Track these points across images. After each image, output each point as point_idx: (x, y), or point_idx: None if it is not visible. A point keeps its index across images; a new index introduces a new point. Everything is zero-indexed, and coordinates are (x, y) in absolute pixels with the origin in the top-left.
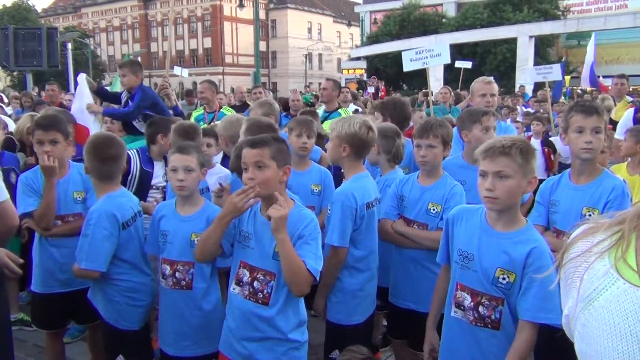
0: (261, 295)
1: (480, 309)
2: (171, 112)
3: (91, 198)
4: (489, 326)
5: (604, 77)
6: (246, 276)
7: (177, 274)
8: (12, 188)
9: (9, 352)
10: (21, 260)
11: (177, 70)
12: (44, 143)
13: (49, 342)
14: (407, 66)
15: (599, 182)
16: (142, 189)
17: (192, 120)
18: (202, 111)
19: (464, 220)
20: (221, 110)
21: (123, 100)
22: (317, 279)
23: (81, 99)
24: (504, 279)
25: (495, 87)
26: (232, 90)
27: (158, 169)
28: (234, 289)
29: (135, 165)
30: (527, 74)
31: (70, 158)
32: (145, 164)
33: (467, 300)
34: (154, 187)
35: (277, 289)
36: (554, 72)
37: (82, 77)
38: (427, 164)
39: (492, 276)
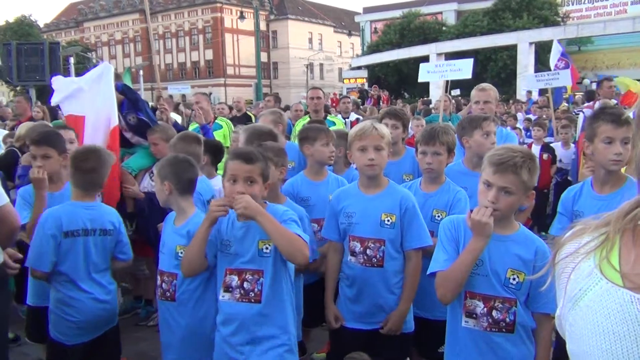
0: (253, 294)
1: (494, 313)
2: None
3: None
4: (504, 330)
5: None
6: (234, 280)
7: (163, 285)
8: None
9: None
10: (20, 256)
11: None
12: (37, 158)
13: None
14: (422, 77)
15: (624, 190)
16: None
17: None
18: (196, 125)
19: (462, 228)
20: (216, 120)
21: None
22: (308, 245)
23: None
24: (514, 279)
25: (491, 94)
26: (233, 101)
27: None
28: (223, 296)
29: None
30: (527, 81)
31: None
32: None
33: (480, 307)
34: None
35: (267, 285)
36: (562, 78)
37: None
38: (433, 172)
39: (504, 278)
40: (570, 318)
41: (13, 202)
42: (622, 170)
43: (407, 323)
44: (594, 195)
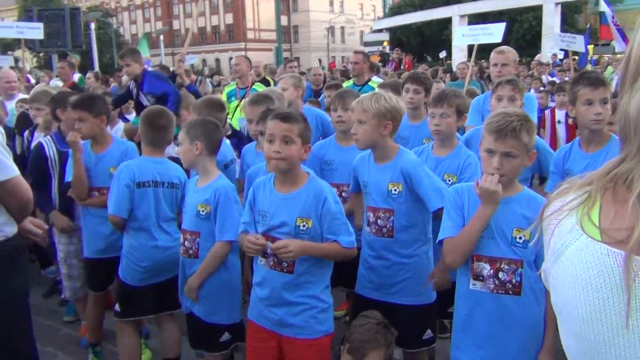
0: (286, 265)
1: (500, 275)
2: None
3: None
4: (510, 292)
5: None
6: (268, 248)
7: (186, 243)
8: None
9: (27, 324)
10: (46, 226)
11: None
12: (75, 121)
13: (92, 304)
14: (458, 41)
15: (608, 148)
16: (63, 171)
17: (224, 95)
18: (234, 86)
19: (466, 195)
20: (253, 86)
21: (134, 92)
22: (355, 249)
23: None
24: (520, 238)
25: (509, 57)
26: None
27: None
28: (260, 260)
29: (51, 149)
30: (552, 39)
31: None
32: (61, 145)
33: (486, 270)
34: None
35: (301, 259)
36: (577, 43)
37: None
38: (440, 134)
39: (511, 237)
40: (553, 271)
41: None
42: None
43: (428, 293)
44: (581, 154)
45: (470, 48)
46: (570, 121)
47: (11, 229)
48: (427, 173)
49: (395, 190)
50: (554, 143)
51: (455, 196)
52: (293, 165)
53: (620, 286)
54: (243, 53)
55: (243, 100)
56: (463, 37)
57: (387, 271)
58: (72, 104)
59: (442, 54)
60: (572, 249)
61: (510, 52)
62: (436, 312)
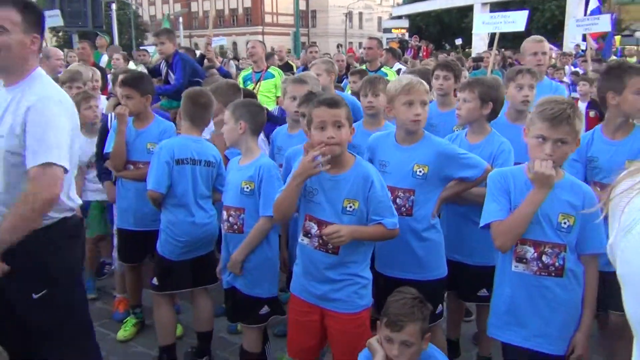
0: (331, 247)
1: (544, 258)
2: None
3: None
4: (553, 274)
5: None
6: (314, 229)
7: (230, 219)
8: None
9: (84, 296)
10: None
11: (218, 40)
12: (123, 97)
13: (128, 274)
14: (478, 29)
15: (635, 136)
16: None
17: (240, 80)
18: (250, 71)
19: (511, 180)
20: (268, 69)
21: (163, 71)
22: (398, 229)
23: None
24: (565, 222)
25: (547, 45)
26: (273, 50)
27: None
28: (302, 239)
29: (112, 123)
30: (569, 28)
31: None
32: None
33: (530, 252)
34: None
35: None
36: (601, 22)
37: None
38: (460, 118)
39: (556, 222)
40: (622, 245)
41: None
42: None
43: (438, 269)
44: (606, 141)
45: (492, 36)
46: (591, 114)
47: (73, 209)
48: (462, 150)
49: (420, 171)
50: None
51: (500, 180)
52: (344, 148)
53: None
54: (260, 37)
55: (258, 83)
56: (484, 24)
57: (405, 248)
58: (122, 82)
59: (458, 41)
60: None
61: (546, 42)
62: (466, 296)
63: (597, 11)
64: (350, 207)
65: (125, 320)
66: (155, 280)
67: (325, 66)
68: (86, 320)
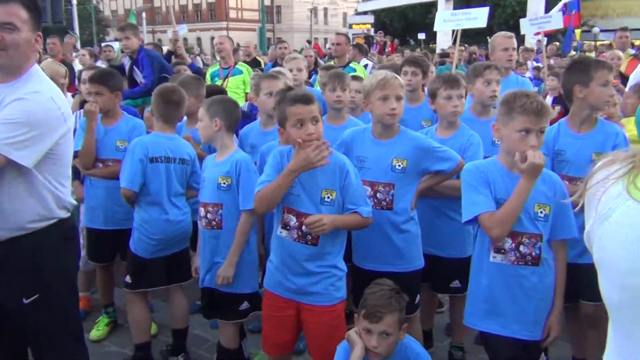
0: (310, 237)
1: (521, 248)
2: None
3: None
4: (530, 263)
5: (611, 31)
6: (293, 221)
7: (208, 215)
8: None
9: (76, 298)
10: None
11: (180, 28)
12: (91, 94)
13: (99, 274)
14: (439, 26)
15: (599, 129)
16: None
17: (207, 76)
18: (217, 67)
19: (488, 172)
20: (236, 65)
21: (127, 67)
22: (371, 217)
23: None
24: (541, 212)
25: (515, 42)
26: (239, 46)
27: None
28: (280, 232)
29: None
30: (522, 25)
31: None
32: None
33: (508, 243)
34: None
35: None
36: (554, 20)
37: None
38: (458, 114)
39: (533, 213)
40: (599, 232)
41: None
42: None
43: (416, 261)
44: (572, 134)
45: (455, 33)
46: (557, 109)
47: (64, 212)
48: (437, 144)
49: (399, 165)
50: None
51: (479, 172)
52: None
53: None
54: (225, 33)
55: (226, 79)
56: (445, 22)
57: (385, 241)
58: (91, 79)
59: (421, 36)
60: (619, 212)
61: (515, 38)
62: (439, 287)
63: (575, 5)
64: (328, 197)
65: (97, 320)
66: (128, 278)
67: (305, 62)
68: (78, 323)
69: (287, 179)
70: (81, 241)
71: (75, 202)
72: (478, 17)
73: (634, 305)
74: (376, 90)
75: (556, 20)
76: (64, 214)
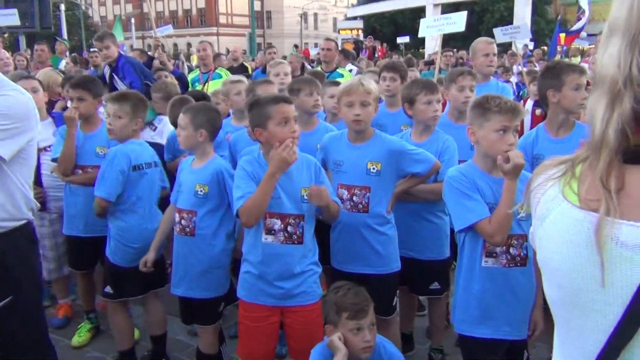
0: (296, 237)
1: (511, 250)
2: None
3: None
4: (519, 264)
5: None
6: (277, 224)
7: (182, 222)
8: None
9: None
10: None
11: (159, 31)
12: (73, 99)
13: (80, 281)
14: (423, 32)
15: (577, 133)
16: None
17: (188, 82)
18: (197, 72)
19: (473, 176)
20: (215, 70)
21: (107, 75)
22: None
23: None
24: (522, 212)
25: (496, 47)
26: (228, 51)
27: (42, 129)
28: (266, 238)
29: None
30: (495, 34)
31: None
32: None
33: (499, 247)
34: (44, 149)
35: (306, 227)
36: (522, 32)
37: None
38: (437, 119)
39: (516, 213)
40: (539, 233)
41: None
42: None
43: (394, 263)
44: (550, 139)
45: (442, 38)
46: (537, 112)
47: (30, 214)
48: (411, 146)
49: (374, 168)
50: (520, 131)
51: (466, 179)
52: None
53: (593, 243)
54: (215, 38)
55: (206, 84)
56: (428, 28)
57: (362, 244)
58: (74, 84)
59: (404, 39)
60: (555, 213)
61: (495, 43)
62: (418, 290)
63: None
64: (307, 194)
65: (79, 326)
66: (109, 289)
67: (289, 67)
68: (45, 324)
69: (270, 183)
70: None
71: (38, 205)
72: (457, 22)
73: (569, 303)
74: (342, 96)
75: (524, 31)
76: (30, 216)
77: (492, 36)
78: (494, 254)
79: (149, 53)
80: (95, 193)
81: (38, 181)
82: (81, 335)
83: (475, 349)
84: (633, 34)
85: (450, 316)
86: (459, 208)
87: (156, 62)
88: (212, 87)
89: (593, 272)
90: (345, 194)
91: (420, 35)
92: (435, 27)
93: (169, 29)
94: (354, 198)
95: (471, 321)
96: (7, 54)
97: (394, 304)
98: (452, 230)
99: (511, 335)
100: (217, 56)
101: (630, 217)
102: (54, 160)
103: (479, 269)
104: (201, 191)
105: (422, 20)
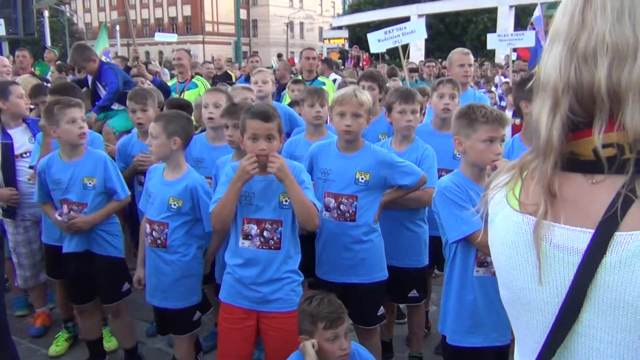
0: (272, 242)
1: None
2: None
3: None
4: None
5: None
6: (253, 229)
7: (154, 233)
8: None
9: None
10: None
11: (160, 36)
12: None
13: (58, 290)
14: (375, 47)
15: None
16: (7, 162)
17: None
18: (175, 81)
19: (465, 187)
20: (192, 80)
21: (89, 82)
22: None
23: None
24: None
25: (472, 58)
26: (213, 59)
27: (18, 135)
28: (242, 243)
29: None
30: (489, 40)
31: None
32: (2, 136)
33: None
34: (20, 156)
35: (285, 233)
36: (526, 38)
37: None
38: (412, 129)
39: None
40: (489, 234)
41: None
42: None
43: (380, 272)
44: (525, 148)
45: (427, 48)
46: (517, 121)
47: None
48: (399, 159)
49: (362, 178)
50: None
51: (459, 190)
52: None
53: (531, 243)
54: (201, 46)
55: (182, 93)
56: (379, 42)
57: (348, 253)
58: (52, 91)
59: (377, 49)
60: (500, 216)
61: (471, 54)
62: (397, 297)
63: (538, 21)
64: (286, 201)
65: (57, 335)
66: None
67: (271, 76)
68: (7, 322)
69: (232, 190)
70: (13, 260)
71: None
72: (416, 30)
73: (516, 301)
74: (335, 106)
75: (528, 37)
76: None
77: (479, 46)
78: (485, 264)
79: (127, 64)
80: (122, 196)
81: (15, 187)
82: (58, 345)
83: (468, 359)
84: (573, 40)
85: (430, 324)
86: (452, 219)
87: (134, 71)
88: (187, 96)
89: (532, 272)
90: (332, 202)
91: (372, 51)
92: (390, 40)
93: (174, 37)
94: (341, 207)
95: (463, 331)
96: (8, 62)
97: (379, 314)
98: (431, 238)
99: (498, 342)
100: (194, 65)
101: (563, 221)
102: (31, 167)
103: (472, 279)
104: (175, 205)
105: (370, 35)
